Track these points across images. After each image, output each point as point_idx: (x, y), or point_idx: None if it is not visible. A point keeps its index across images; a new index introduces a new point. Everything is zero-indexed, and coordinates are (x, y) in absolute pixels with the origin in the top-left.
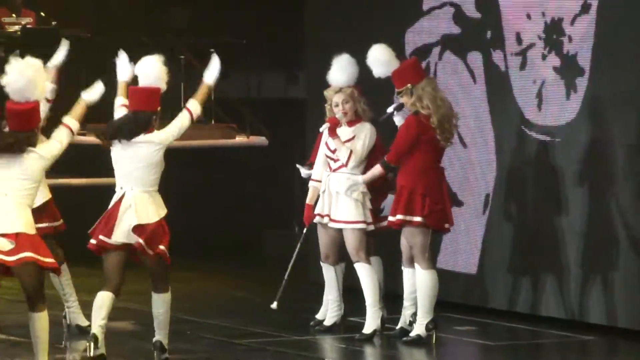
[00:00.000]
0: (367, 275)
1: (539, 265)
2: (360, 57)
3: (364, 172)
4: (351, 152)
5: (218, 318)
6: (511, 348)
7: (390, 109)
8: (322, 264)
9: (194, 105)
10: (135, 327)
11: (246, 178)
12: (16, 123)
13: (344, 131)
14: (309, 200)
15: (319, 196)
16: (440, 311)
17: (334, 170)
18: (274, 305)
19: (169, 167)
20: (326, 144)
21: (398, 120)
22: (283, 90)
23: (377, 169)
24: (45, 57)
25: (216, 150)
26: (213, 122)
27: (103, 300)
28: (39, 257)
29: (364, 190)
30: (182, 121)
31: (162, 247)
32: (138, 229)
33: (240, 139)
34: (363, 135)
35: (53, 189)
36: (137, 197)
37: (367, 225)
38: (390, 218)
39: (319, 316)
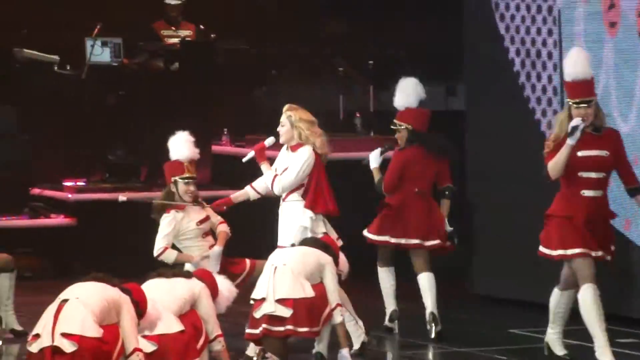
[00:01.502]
0: None
1: None
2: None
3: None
4: (275, 177)
5: (380, 330)
6: None
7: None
8: None
9: None
10: None
11: None
12: None
13: (284, 156)
14: (234, 195)
15: None
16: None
17: (284, 199)
18: None
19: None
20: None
21: None
22: (443, 102)
23: None
24: (204, 69)
25: None
26: (372, 134)
27: None
28: None
29: (311, 215)
30: None
31: None
32: None
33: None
34: (295, 161)
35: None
36: None
37: None
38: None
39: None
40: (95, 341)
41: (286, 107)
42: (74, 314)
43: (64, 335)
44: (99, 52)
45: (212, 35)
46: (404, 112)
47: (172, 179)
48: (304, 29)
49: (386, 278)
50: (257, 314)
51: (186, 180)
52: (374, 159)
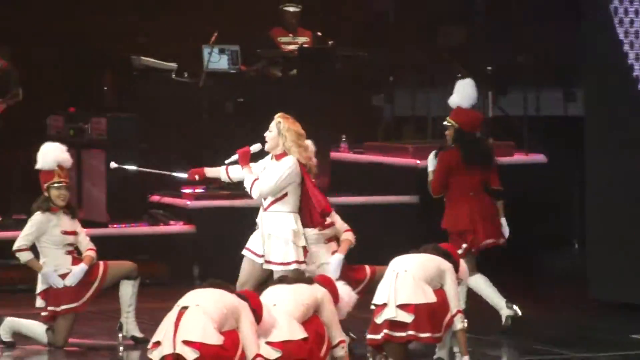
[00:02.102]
0: None
1: None
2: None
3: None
4: (254, 181)
5: (497, 335)
6: None
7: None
8: None
9: None
10: None
11: (524, 195)
12: None
13: (268, 164)
14: (208, 169)
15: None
16: None
17: (266, 209)
18: None
19: None
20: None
21: None
22: (562, 107)
23: None
24: (322, 76)
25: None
26: (491, 140)
27: None
28: None
29: (294, 228)
30: None
31: None
32: None
33: (518, 157)
34: (274, 169)
35: (361, 206)
36: None
37: (299, 265)
38: None
39: None
40: (217, 348)
41: (278, 114)
42: (195, 322)
43: (186, 342)
44: (217, 60)
45: (329, 42)
46: (455, 111)
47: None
48: (422, 36)
49: (483, 283)
50: (379, 320)
51: (57, 185)
52: (430, 162)
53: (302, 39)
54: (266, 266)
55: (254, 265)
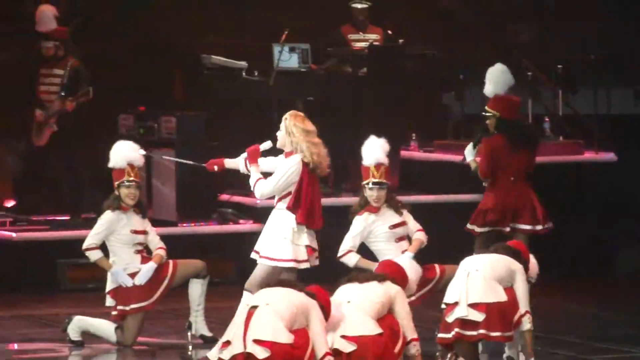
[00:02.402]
0: None
1: None
2: None
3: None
4: (257, 181)
5: (567, 334)
6: None
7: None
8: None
9: None
10: None
11: (595, 194)
12: None
13: (278, 162)
14: (227, 160)
15: None
16: None
17: (274, 206)
18: None
19: None
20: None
21: None
22: (632, 106)
23: None
24: (392, 74)
25: (563, 166)
26: (561, 138)
27: None
28: None
29: (294, 227)
30: None
31: None
32: None
33: (588, 155)
34: (279, 167)
35: (431, 205)
36: None
37: (297, 264)
38: None
39: None
40: (287, 347)
41: (288, 112)
42: (265, 320)
43: (256, 341)
44: (287, 58)
45: (399, 40)
46: (492, 100)
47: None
48: (492, 34)
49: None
50: (450, 318)
51: (127, 184)
52: (469, 153)
53: (372, 37)
54: (260, 260)
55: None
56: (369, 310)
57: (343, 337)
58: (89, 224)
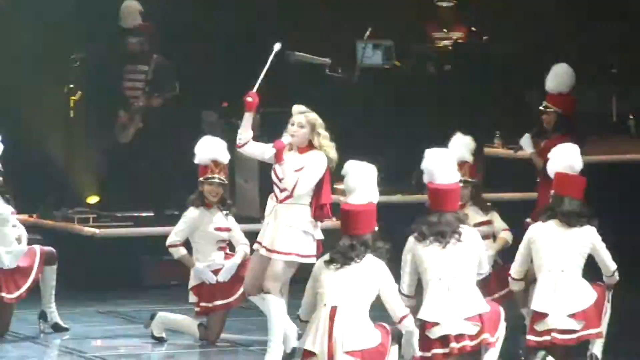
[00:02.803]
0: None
1: None
2: None
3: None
4: (297, 181)
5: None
6: None
7: None
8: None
9: None
10: None
11: None
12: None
13: (292, 157)
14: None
15: None
16: None
17: (282, 201)
18: None
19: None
20: (274, 169)
21: None
22: None
23: None
24: (476, 72)
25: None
26: None
27: None
28: None
29: (312, 220)
30: None
31: None
32: None
33: None
34: (313, 165)
35: (516, 202)
36: None
37: (316, 258)
38: None
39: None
40: (376, 348)
41: (304, 108)
42: (351, 327)
43: (348, 353)
44: (371, 55)
45: (484, 38)
46: (555, 96)
47: (199, 180)
48: (578, 30)
49: None
50: (543, 327)
51: (210, 180)
52: (527, 144)
53: (456, 35)
54: (282, 257)
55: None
56: None
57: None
58: (173, 220)
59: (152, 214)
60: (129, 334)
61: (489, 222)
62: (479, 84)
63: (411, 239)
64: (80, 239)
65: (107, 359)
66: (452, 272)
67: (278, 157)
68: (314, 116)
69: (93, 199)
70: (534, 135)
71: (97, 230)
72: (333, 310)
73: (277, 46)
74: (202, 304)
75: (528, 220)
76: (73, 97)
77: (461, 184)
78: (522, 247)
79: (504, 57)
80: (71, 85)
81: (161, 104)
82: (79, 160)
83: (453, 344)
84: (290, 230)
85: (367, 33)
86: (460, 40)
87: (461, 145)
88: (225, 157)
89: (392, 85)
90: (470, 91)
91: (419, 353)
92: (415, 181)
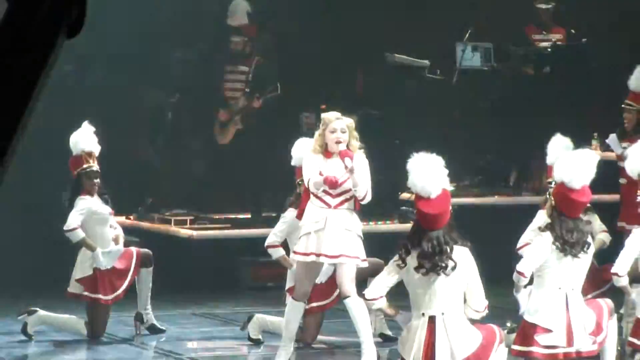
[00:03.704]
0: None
1: None
2: None
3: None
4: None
5: None
6: None
7: None
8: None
9: None
10: None
11: None
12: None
13: (333, 164)
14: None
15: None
16: None
17: (336, 207)
18: None
19: None
20: (320, 175)
21: None
22: None
23: None
24: (576, 73)
25: None
26: None
27: None
28: None
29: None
30: None
31: None
32: None
33: None
34: (365, 169)
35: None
36: None
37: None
38: None
39: None
40: (481, 346)
41: (339, 114)
42: (460, 336)
43: None
44: (470, 57)
45: (583, 39)
46: (636, 95)
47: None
48: None
49: None
50: None
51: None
52: (615, 144)
53: (555, 36)
54: (343, 261)
55: (314, 268)
56: None
57: None
58: (270, 222)
59: (249, 216)
60: (225, 335)
61: (587, 223)
62: (579, 86)
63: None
64: (177, 241)
65: None
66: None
67: (332, 184)
68: (351, 120)
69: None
70: (618, 135)
71: (194, 233)
72: (432, 320)
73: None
74: None
75: (622, 224)
76: (172, 99)
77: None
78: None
79: (603, 58)
80: (171, 87)
81: (261, 105)
82: (177, 162)
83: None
84: (350, 234)
85: (467, 35)
86: (559, 42)
87: (561, 146)
88: None
89: (491, 87)
90: (569, 93)
91: None
92: (513, 182)
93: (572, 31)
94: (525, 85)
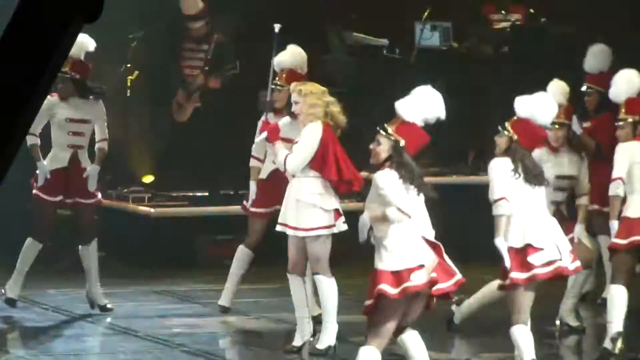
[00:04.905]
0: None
1: None
2: None
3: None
4: (287, 156)
5: None
6: None
7: None
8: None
9: None
10: None
11: None
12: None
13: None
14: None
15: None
16: None
17: (294, 176)
18: None
19: None
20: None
21: None
22: None
23: None
24: (534, 54)
25: None
26: None
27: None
28: None
29: (321, 192)
30: None
31: None
32: None
33: None
34: (302, 141)
35: None
36: None
37: (328, 230)
38: None
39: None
40: None
41: (294, 83)
42: None
43: None
44: (429, 37)
45: (542, 20)
46: (595, 76)
47: None
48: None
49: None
50: None
51: None
52: (576, 126)
53: (514, 16)
54: (294, 233)
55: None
56: None
57: None
58: (228, 200)
59: (207, 194)
60: (182, 313)
61: (571, 178)
62: (537, 66)
63: None
64: (135, 218)
65: (160, 338)
66: None
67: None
68: (301, 87)
69: (148, 179)
70: (579, 116)
71: (152, 210)
72: None
73: (276, 27)
74: None
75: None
76: (130, 77)
77: (557, 126)
78: None
79: (562, 39)
80: (128, 65)
81: (220, 83)
82: (135, 139)
83: None
84: (300, 204)
85: (426, 14)
86: (518, 22)
87: (557, 90)
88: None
89: (449, 67)
90: (527, 73)
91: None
92: (471, 162)
93: (531, 11)
94: (483, 65)
